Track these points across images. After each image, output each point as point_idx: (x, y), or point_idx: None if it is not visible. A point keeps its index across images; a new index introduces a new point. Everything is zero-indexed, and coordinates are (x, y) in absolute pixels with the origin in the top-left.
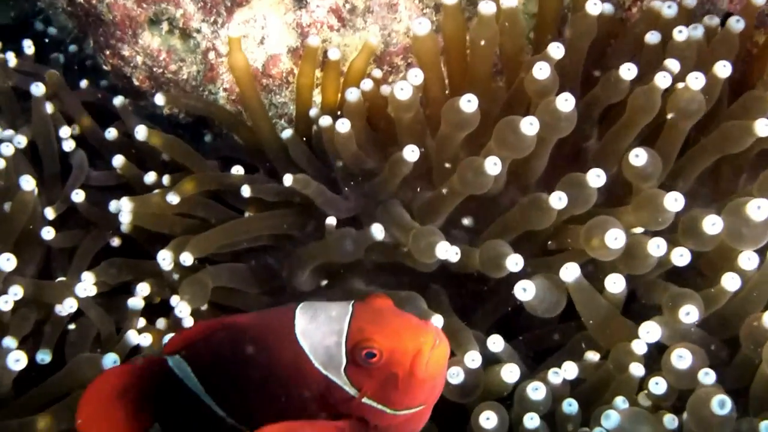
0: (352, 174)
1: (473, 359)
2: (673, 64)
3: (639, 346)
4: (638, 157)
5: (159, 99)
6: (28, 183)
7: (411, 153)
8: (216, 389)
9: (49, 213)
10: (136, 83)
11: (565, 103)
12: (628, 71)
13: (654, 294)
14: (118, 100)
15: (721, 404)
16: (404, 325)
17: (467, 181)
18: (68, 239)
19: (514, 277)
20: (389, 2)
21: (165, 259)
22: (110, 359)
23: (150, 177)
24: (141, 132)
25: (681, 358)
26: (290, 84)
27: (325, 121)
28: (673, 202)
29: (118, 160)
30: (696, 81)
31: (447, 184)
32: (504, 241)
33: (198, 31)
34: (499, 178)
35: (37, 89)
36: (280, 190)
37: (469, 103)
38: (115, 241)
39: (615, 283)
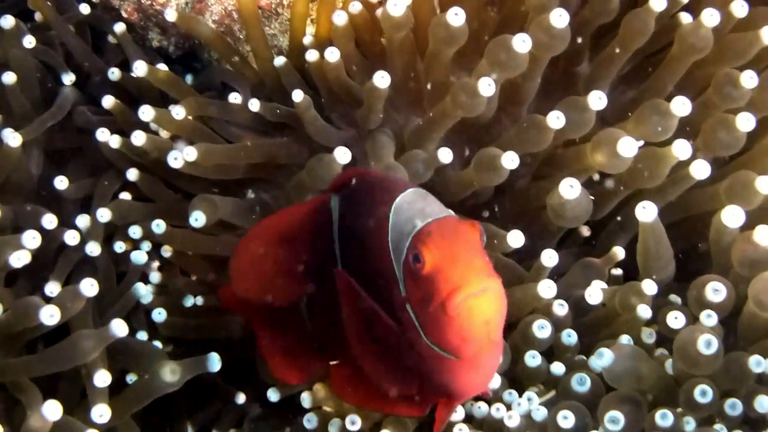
0: (342, 104)
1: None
2: None
3: (649, 287)
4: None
5: (170, 15)
6: (14, 139)
7: (381, 79)
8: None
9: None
10: (125, 15)
11: (560, 18)
12: None
13: None
14: (119, 28)
15: (708, 344)
16: (466, 257)
17: (460, 103)
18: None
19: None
20: None
21: (176, 159)
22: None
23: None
24: (141, 68)
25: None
26: (279, 15)
27: (313, 55)
28: (681, 105)
29: (108, 101)
30: (711, 18)
31: (438, 107)
32: None
33: None
34: (491, 101)
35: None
36: (281, 111)
37: (456, 17)
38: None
39: (645, 208)
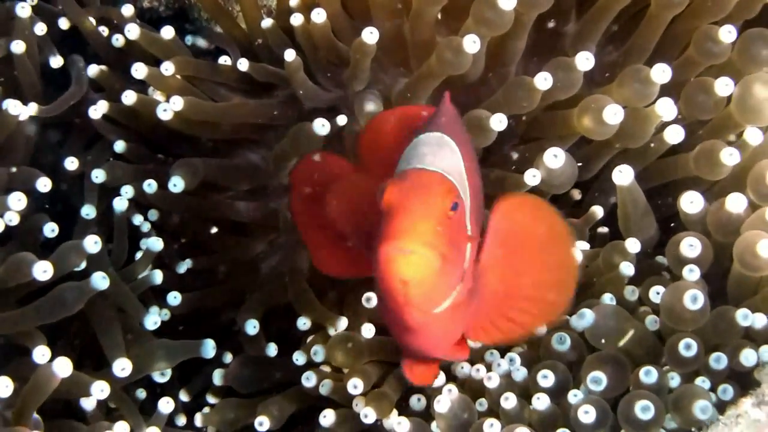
0: (329, 65)
1: None
2: None
3: (632, 245)
4: None
5: None
6: (15, 107)
7: (369, 35)
8: None
9: (32, 108)
10: None
11: None
12: None
13: None
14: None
15: (693, 299)
16: (415, 215)
17: (446, 60)
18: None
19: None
20: None
21: (165, 110)
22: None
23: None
24: (133, 31)
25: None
26: None
27: (299, 19)
28: (661, 73)
29: (94, 69)
30: None
31: (424, 66)
32: None
33: None
34: (477, 60)
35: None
36: (270, 71)
37: None
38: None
39: (621, 172)
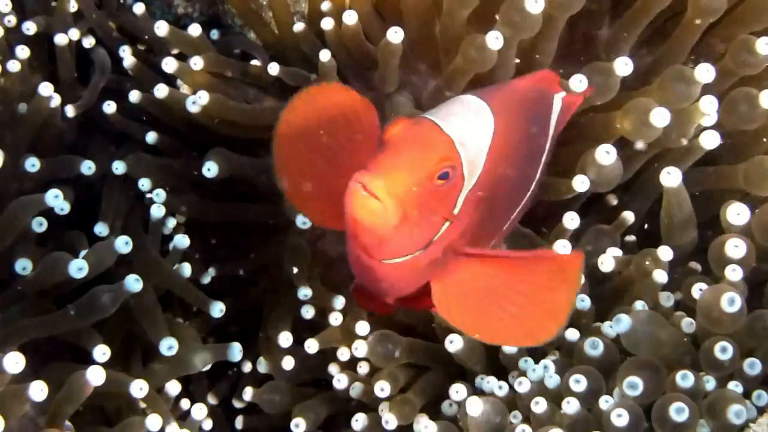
0: (361, 68)
1: None
2: None
3: (665, 253)
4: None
5: None
6: (46, 89)
7: (394, 34)
8: None
9: (70, 111)
10: None
11: None
12: None
13: None
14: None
15: (731, 301)
16: (398, 161)
17: (470, 58)
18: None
19: None
20: None
21: (194, 103)
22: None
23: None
24: (162, 28)
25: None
26: None
27: (329, 23)
28: (705, 72)
29: (129, 61)
30: None
31: (451, 66)
32: None
33: None
34: (507, 62)
35: None
36: (300, 75)
37: None
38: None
39: (669, 174)
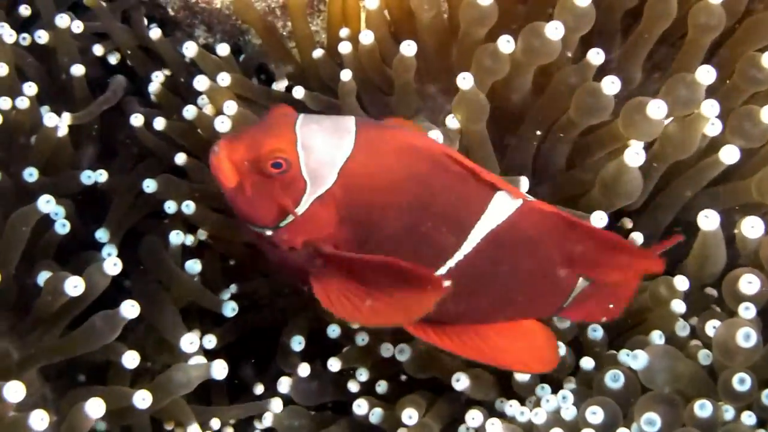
0: (378, 93)
1: None
2: None
3: (681, 283)
4: None
5: None
6: (51, 119)
7: (407, 47)
8: None
9: (66, 119)
10: (171, 13)
11: None
12: None
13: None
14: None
15: (746, 337)
16: (252, 130)
17: (485, 67)
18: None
19: None
20: None
21: (223, 122)
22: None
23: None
24: (191, 48)
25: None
26: (321, 12)
27: (347, 47)
28: (706, 74)
29: (154, 86)
30: None
31: None
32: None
33: None
34: (524, 87)
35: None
36: (322, 99)
37: None
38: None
39: (708, 217)
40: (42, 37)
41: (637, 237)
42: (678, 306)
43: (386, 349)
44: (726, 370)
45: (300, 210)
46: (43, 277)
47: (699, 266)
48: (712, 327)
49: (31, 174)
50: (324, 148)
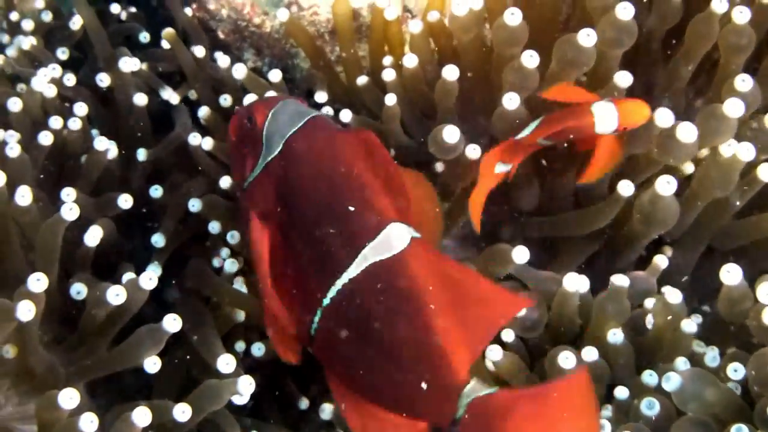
0: (422, 117)
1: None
2: None
3: (673, 295)
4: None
5: (282, 14)
6: (101, 143)
7: (450, 71)
8: None
9: (141, 155)
10: (221, 36)
11: (624, 11)
12: None
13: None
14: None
15: None
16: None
17: (512, 84)
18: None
19: None
20: None
21: None
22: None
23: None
24: (240, 71)
25: None
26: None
27: (390, 74)
28: (733, 107)
29: (204, 111)
30: (741, 15)
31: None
32: None
33: None
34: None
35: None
36: (369, 123)
37: (512, 16)
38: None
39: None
40: (104, 80)
41: (660, 262)
42: (688, 326)
43: None
44: (762, 399)
45: (255, 172)
46: (76, 289)
47: (728, 312)
48: (733, 371)
49: (68, 194)
50: (284, 119)
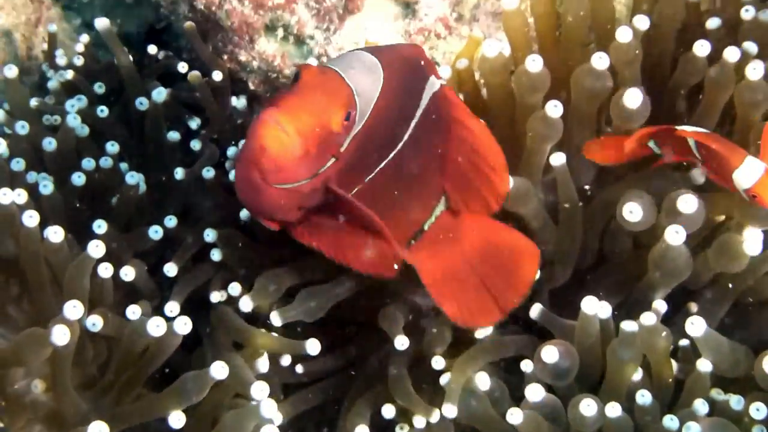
0: None
1: None
2: (748, 45)
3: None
4: None
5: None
6: (132, 178)
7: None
8: None
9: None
10: (252, 87)
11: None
12: (701, 47)
13: None
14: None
15: None
16: (301, 97)
17: (536, 131)
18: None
19: None
20: (494, 11)
21: None
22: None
23: None
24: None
25: None
26: None
27: None
28: (753, 244)
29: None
30: (755, 71)
31: (526, 149)
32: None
33: (311, 37)
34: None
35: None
36: None
37: (533, 63)
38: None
39: (693, 324)
40: (143, 103)
41: (660, 306)
42: (704, 365)
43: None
44: None
45: (343, 149)
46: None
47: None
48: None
49: (99, 226)
50: (368, 88)
